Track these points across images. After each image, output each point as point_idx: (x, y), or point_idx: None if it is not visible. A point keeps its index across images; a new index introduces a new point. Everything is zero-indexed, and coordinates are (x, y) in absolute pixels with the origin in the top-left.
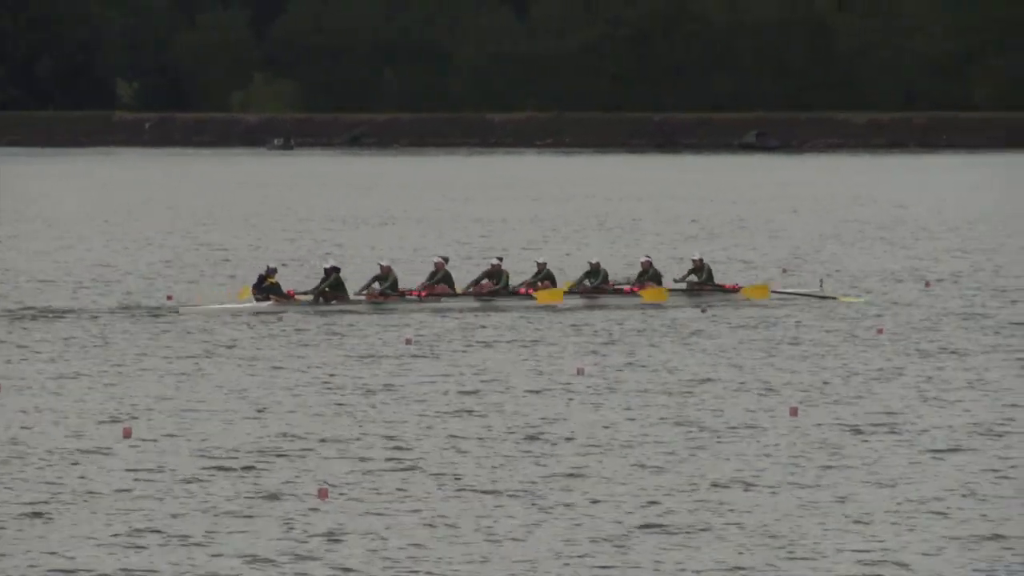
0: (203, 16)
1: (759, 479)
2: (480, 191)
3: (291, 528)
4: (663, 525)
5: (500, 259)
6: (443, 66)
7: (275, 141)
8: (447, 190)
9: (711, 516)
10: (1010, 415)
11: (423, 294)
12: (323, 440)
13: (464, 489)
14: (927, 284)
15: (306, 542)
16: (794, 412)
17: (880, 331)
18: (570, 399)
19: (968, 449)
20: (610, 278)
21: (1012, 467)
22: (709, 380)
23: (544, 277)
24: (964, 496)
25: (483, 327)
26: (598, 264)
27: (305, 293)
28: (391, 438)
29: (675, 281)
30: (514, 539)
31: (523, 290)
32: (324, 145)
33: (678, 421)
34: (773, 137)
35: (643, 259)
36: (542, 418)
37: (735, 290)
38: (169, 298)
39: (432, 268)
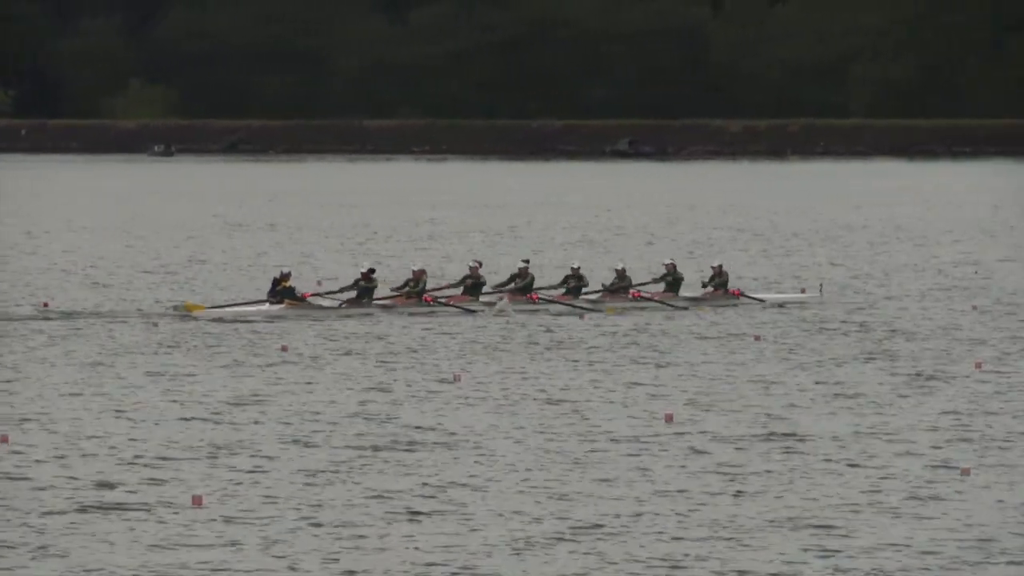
0: (80, 23)
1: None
2: (354, 197)
3: (163, 536)
4: (528, 536)
5: (527, 261)
6: (319, 73)
7: (155, 148)
8: (322, 196)
9: (569, 526)
10: (884, 423)
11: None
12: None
13: (322, 505)
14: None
15: (177, 550)
16: (669, 418)
17: (757, 338)
18: (441, 406)
19: (838, 459)
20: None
21: (884, 477)
22: (575, 388)
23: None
24: (834, 506)
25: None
26: (623, 270)
27: (330, 293)
28: (259, 446)
29: (703, 286)
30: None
31: (535, 296)
32: (202, 152)
33: (541, 429)
34: (646, 144)
35: (667, 262)
36: (406, 424)
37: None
38: (45, 304)
39: (467, 272)
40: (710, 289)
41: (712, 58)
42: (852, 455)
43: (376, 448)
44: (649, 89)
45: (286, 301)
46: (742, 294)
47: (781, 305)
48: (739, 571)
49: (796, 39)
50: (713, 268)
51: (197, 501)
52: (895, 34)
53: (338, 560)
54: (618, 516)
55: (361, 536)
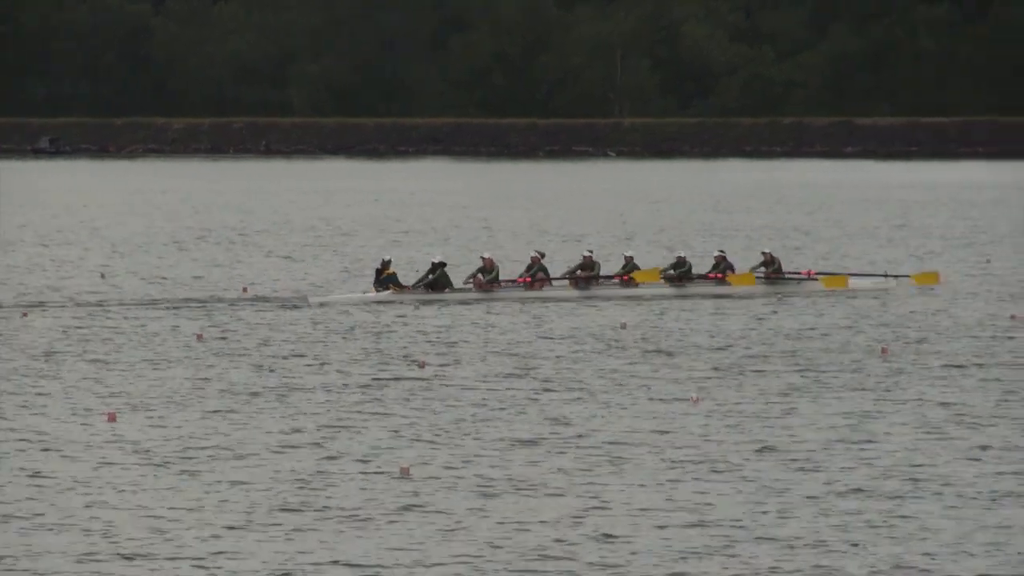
0: None
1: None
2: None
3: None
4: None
5: (591, 251)
6: None
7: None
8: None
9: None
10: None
11: (526, 280)
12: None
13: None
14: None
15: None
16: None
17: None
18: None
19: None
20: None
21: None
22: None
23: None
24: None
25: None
26: (684, 258)
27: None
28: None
29: (751, 271)
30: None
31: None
32: None
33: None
34: (70, 143)
35: (716, 253)
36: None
37: (811, 277)
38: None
39: (529, 262)
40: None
41: (154, 56)
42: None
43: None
44: (90, 87)
45: (391, 287)
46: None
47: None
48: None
49: (238, 37)
50: (764, 255)
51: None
52: (334, 33)
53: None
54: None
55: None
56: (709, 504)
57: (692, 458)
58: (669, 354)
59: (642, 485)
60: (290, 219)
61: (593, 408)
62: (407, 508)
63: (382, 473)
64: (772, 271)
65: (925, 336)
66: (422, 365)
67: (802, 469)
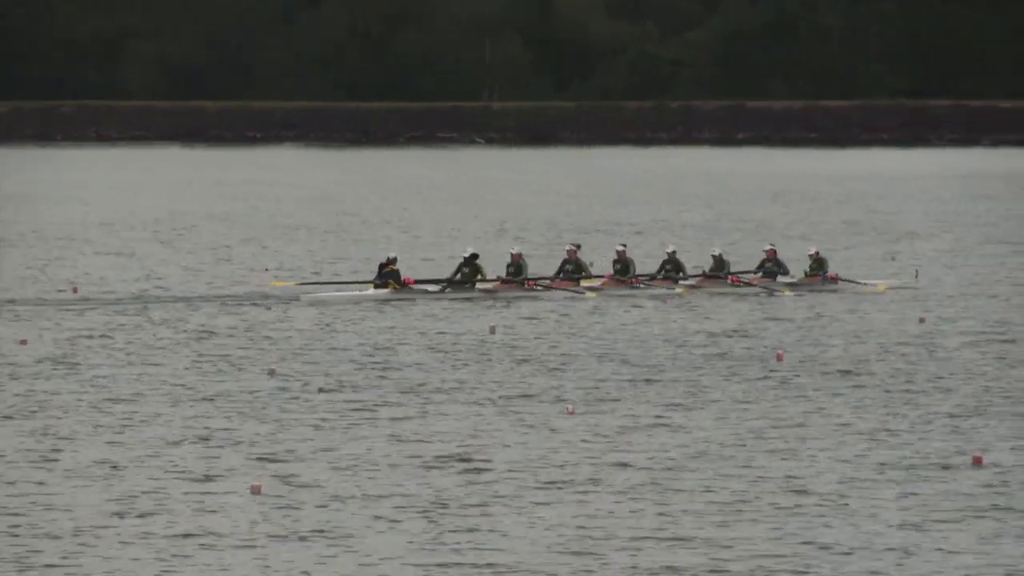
0: None
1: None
2: None
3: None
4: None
5: (624, 245)
6: None
7: None
8: None
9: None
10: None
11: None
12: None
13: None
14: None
15: None
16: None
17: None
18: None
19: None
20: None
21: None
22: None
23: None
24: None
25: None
26: (720, 255)
27: (437, 280)
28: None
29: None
30: None
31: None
32: None
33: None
34: None
35: (767, 248)
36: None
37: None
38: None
39: (564, 256)
40: (807, 273)
41: None
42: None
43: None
44: None
45: (390, 284)
46: (840, 279)
47: (882, 291)
48: None
49: (66, 13)
50: (811, 255)
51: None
52: (173, 7)
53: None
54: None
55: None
56: (574, 522)
57: (563, 475)
58: (543, 362)
59: (507, 502)
60: (127, 213)
61: (464, 420)
62: (257, 525)
63: (232, 493)
64: (814, 272)
65: (827, 341)
66: (272, 373)
67: (677, 481)
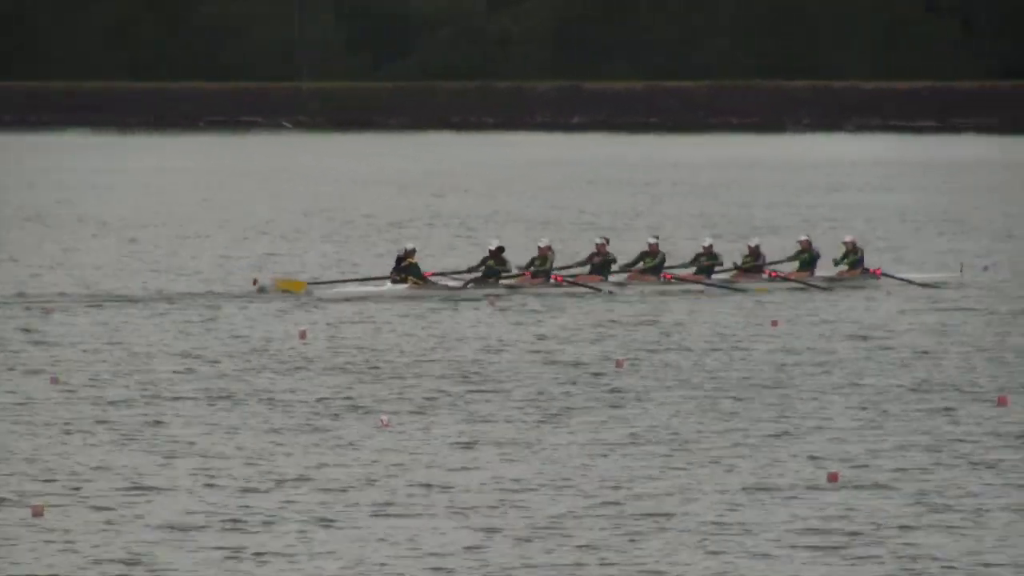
0: None
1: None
2: None
3: None
4: None
5: (657, 237)
6: None
7: None
8: None
9: None
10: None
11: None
12: None
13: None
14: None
15: None
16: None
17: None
18: None
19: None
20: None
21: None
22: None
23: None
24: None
25: None
26: (757, 247)
27: (458, 273)
28: None
29: (835, 264)
30: None
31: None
32: None
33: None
34: None
35: (802, 238)
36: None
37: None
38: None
39: (593, 249)
40: (844, 267)
41: None
42: None
43: None
44: None
45: (410, 279)
46: (884, 274)
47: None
48: None
49: None
50: (846, 244)
51: None
52: None
53: None
54: None
55: None
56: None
57: (367, 496)
58: (359, 372)
59: (329, 522)
60: None
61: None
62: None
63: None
64: (851, 264)
65: (672, 347)
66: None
67: (501, 497)
